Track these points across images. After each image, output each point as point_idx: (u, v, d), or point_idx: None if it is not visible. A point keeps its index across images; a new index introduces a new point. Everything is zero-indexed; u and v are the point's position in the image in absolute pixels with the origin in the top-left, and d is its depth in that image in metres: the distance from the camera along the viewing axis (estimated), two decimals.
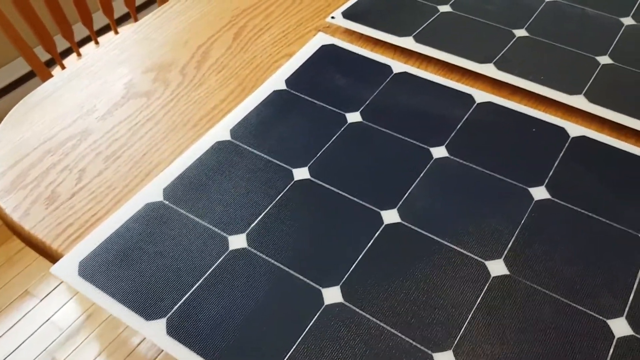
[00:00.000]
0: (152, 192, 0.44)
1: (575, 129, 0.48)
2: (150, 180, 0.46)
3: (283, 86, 0.53)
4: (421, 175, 0.45)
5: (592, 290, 0.38)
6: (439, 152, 0.47)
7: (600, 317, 0.37)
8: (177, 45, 0.59)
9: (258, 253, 0.40)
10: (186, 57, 0.58)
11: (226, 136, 0.48)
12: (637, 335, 0.36)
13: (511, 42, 0.57)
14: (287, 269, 0.39)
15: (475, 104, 0.51)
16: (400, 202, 0.44)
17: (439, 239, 0.41)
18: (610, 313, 0.37)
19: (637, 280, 0.38)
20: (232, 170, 0.46)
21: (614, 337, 0.36)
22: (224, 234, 0.41)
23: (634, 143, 0.48)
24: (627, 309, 0.37)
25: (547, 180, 0.45)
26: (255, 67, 0.56)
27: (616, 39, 0.57)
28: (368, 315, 0.37)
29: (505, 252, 0.40)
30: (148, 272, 0.39)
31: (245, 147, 0.48)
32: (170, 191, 0.44)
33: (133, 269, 0.39)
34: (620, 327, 0.36)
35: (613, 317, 0.37)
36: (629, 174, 0.45)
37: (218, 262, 0.40)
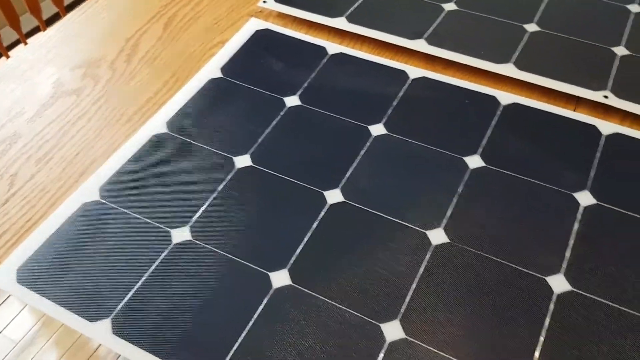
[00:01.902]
0: (88, 191, 0.43)
1: (506, 97, 0.50)
2: (85, 180, 0.45)
3: (219, 74, 0.52)
4: (362, 153, 0.46)
5: (530, 251, 0.39)
6: (378, 129, 0.48)
7: (540, 276, 0.38)
8: (105, 39, 0.57)
9: (203, 244, 0.40)
10: (115, 51, 0.56)
11: (163, 129, 0.47)
12: (575, 290, 0.37)
13: (441, 17, 0.58)
14: (233, 257, 0.39)
15: (410, 80, 0.52)
16: (343, 182, 0.44)
17: (382, 214, 0.42)
18: (549, 271, 0.38)
19: (572, 237, 0.40)
20: (171, 163, 0.45)
21: (553, 293, 0.37)
22: (166, 228, 0.41)
23: (563, 105, 0.50)
24: (564, 265, 0.38)
25: (481, 149, 0.46)
26: (188, 57, 0.55)
27: (542, 6, 0.59)
28: (317, 295, 0.37)
29: (445, 220, 0.41)
30: (89, 273, 0.38)
31: (184, 138, 0.47)
32: (107, 189, 0.43)
33: (73, 271, 0.38)
34: (558, 283, 0.38)
35: (551, 274, 0.38)
36: (559, 135, 0.47)
37: (161, 257, 0.39)
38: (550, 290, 0.37)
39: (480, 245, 0.40)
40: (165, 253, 0.39)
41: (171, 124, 0.48)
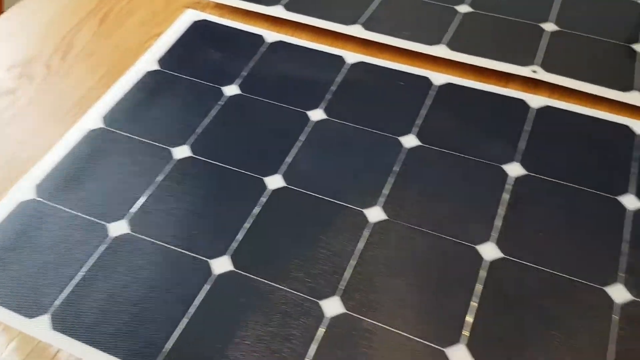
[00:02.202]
0: (24, 190, 0.42)
1: (439, 78, 0.51)
2: (21, 179, 0.44)
3: (156, 67, 0.52)
4: (302, 139, 0.47)
5: (462, 222, 0.41)
6: (317, 115, 0.49)
7: (471, 245, 0.39)
8: (41, 37, 0.56)
9: (142, 236, 0.40)
10: (50, 49, 0.55)
11: (99, 124, 0.47)
12: (506, 256, 0.39)
13: (377, 2, 0.59)
14: (173, 247, 0.39)
15: (348, 65, 0.53)
16: (284, 167, 0.44)
17: (322, 196, 0.43)
18: (480, 240, 0.40)
19: (502, 207, 0.42)
20: (108, 158, 0.45)
21: (483, 260, 0.39)
22: (103, 223, 0.41)
23: (495, 83, 0.51)
24: (494, 234, 0.40)
25: (416, 129, 0.47)
26: (125, 51, 0.55)
27: None
28: (259, 278, 0.38)
29: (383, 199, 0.42)
30: (26, 271, 0.38)
31: (120, 132, 0.47)
32: (44, 187, 0.43)
33: (10, 270, 0.38)
34: (489, 251, 0.39)
35: (482, 243, 0.40)
36: (491, 111, 0.48)
37: (99, 251, 0.39)
38: (481, 258, 0.39)
39: (415, 220, 0.41)
40: (103, 247, 0.39)
41: (107, 118, 0.48)
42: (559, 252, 0.39)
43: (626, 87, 0.49)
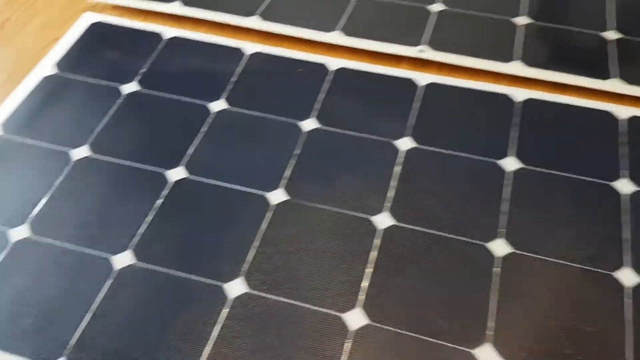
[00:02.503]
0: None
1: (335, 63, 0.53)
2: None
3: (54, 71, 0.52)
4: (204, 130, 0.48)
5: (358, 196, 0.43)
6: (218, 105, 0.50)
7: (365, 216, 0.42)
8: None
9: (42, 238, 0.40)
10: None
11: None
12: (398, 224, 0.41)
13: None
14: (74, 247, 0.40)
15: (247, 56, 0.54)
16: (186, 159, 0.46)
17: (225, 184, 0.44)
18: (374, 211, 0.42)
19: (393, 179, 0.44)
20: (6, 166, 0.45)
21: (376, 229, 0.41)
22: (3, 228, 0.40)
23: (387, 64, 0.54)
24: (389, 204, 0.42)
25: (315, 112, 0.49)
26: (23, 57, 0.54)
27: None
28: (161, 268, 0.39)
29: (285, 181, 0.44)
30: None
31: (19, 138, 0.46)
32: None
33: None
34: (383, 220, 0.42)
35: (376, 214, 0.42)
36: (383, 92, 0.51)
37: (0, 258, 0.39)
38: (375, 227, 0.41)
39: (316, 198, 0.43)
40: (4, 253, 0.39)
41: (5, 125, 0.47)
42: (447, 215, 0.42)
43: (507, 58, 0.53)
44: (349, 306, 0.37)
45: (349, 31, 0.56)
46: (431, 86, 0.51)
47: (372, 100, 0.50)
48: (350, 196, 0.43)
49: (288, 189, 0.44)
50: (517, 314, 0.37)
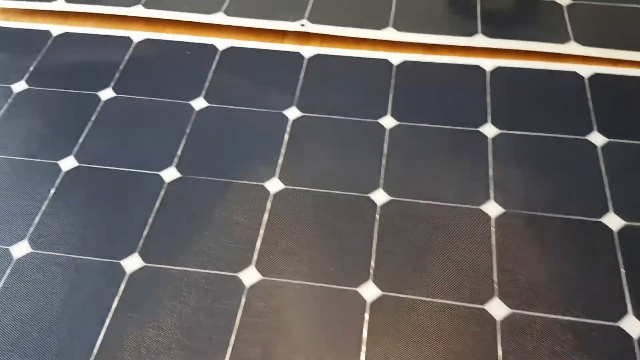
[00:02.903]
0: None
1: (223, 43, 0.55)
2: None
3: None
4: (93, 119, 0.49)
5: (251, 166, 0.45)
6: (107, 94, 0.51)
7: (258, 183, 0.44)
8: None
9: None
10: None
11: None
12: (287, 186, 0.44)
13: None
14: None
15: (134, 44, 0.55)
16: (76, 149, 0.46)
17: (118, 168, 0.45)
18: (266, 177, 0.45)
19: (283, 147, 0.47)
20: None
21: (269, 193, 0.43)
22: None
23: (272, 40, 0.56)
24: (278, 170, 0.45)
25: (204, 92, 0.51)
26: None
27: None
28: (59, 254, 0.40)
29: (177, 159, 0.46)
30: None
31: None
32: None
33: None
34: (273, 185, 0.44)
35: (268, 180, 0.44)
36: (270, 67, 0.53)
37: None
38: (267, 192, 0.44)
39: (207, 172, 0.45)
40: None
41: None
42: (333, 174, 0.45)
43: (383, 26, 0.56)
44: (243, 265, 0.40)
45: (232, 11, 0.58)
46: (315, 57, 0.54)
47: (260, 75, 0.52)
48: (242, 167, 0.45)
49: (180, 167, 0.45)
50: (395, 251, 0.40)
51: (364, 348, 0.35)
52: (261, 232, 0.41)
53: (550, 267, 0.38)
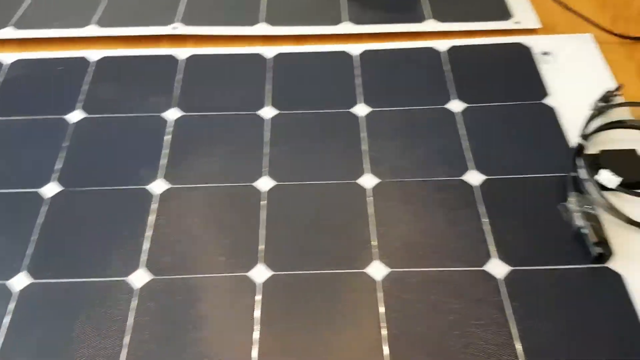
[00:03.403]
0: None
1: (95, 54, 0.55)
2: None
3: None
4: None
5: (134, 169, 0.46)
6: None
7: (141, 187, 0.45)
8: None
9: None
10: None
11: None
12: (173, 185, 0.45)
13: (26, 2, 0.60)
14: None
15: (6, 66, 0.54)
16: None
17: None
18: (149, 180, 0.45)
19: (165, 147, 0.47)
20: None
21: (152, 195, 0.44)
22: None
23: (147, 46, 0.56)
24: (163, 171, 0.46)
25: (80, 104, 0.51)
26: None
27: None
28: None
29: (57, 174, 0.45)
30: None
31: None
32: None
33: None
34: (158, 187, 0.45)
35: (151, 182, 0.45)
36: (148, 71, 0.53)
37: None
38: (151, 195, 0.44)
39: (90, 183, 0.45)
40: None
41: None
42: (218, 168, 0.46)
43: (255, 22, 0.58)
44: (133, 268, 0.40)
45: (105, 22, 0.57)
46: (191, 58, 0.55)
47: (138, 81, 0.53)
48: (125, 172, 0.46)
49: (61, 181, 0.45)
50: (283, 233, 0.42)
51: (257, 327, 0.37)
52: (148, 234, 0.42)
53: (421, 226, 0.42)
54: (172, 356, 0.36)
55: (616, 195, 0.42)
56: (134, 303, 0.38)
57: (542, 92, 0.50)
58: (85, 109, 0.50)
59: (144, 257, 0.41)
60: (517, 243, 0.40)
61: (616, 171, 0.42)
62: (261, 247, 0.41)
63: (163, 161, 0.46)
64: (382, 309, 0.37)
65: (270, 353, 0.36)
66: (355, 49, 0.55)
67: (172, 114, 0.50)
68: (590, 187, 0.42)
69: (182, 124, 0.49)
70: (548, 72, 0.52)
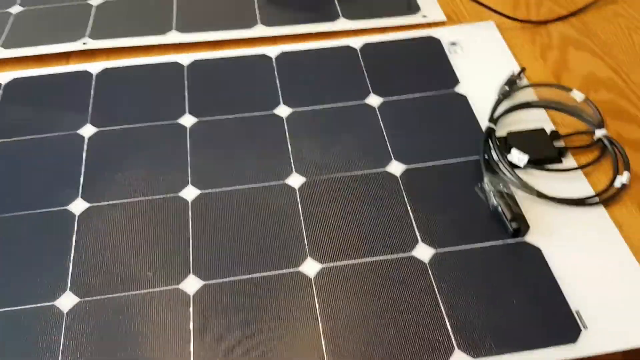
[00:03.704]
0: None
1: (4, 77, 0.53)
2: None
3: None
4: None
5: (52, 190, 0.44)
6: None
7: (62, 208, 0.43)
8: None
9: None
10: None
11: None
12: (94, 205, 0.44)
13: None
14: None
15: None
16: None
17: None
18: (69, 200, 0.44)
19: (83, 166, 0.46)
20: None
21: (75, 216, 0.43)
22: None
23: (58, 64, 0.54)
24: (81, 189, 0.44)
25: None
26: None
27: None
28: None
29: None
30: None
31: None
32: None
33: None
34: (77, 207, 0.43)
35: (71, 202, 0.44)
36: (59, 90, 0.52)
37: None
38: (73, 215, 0.43)
39: (5, 209, 0.43)
40: None
41: None
42: (141, 181, 0.45)
43: (167, 30, 0.57)
44: (60, 291, 0.39)
45: (11, 44, 0.55)
46: (103, 73, 0.53)
47: (50, 100, 0.51)
48: (45, 194, 0.44)
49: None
50: (212, 241, 0.42)
51: (193, 339, 0.37)
52: (72, 256, 0.41)
53: (350, 219, 0.42)
54: None
55: (527, 173, 0.45)
56: (64, 327, 0.37)
57: (454, 80, 0.52)
58: None
59: (70, 279, 0.39)
60: (440, 226, 0.42)
61: (525, 150, 0.45)
62: (191, 257, 0.41)
63: (81, 179, 0.45)
64: (317, 305, 0.38)
65: None
66: (271, 51, 0.55)
67: (87, 131, 0.48)
68: (502, 167, 0.44)
69: (98, 140, 0.48)
70: (457, 61, 0.54)
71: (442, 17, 0.58)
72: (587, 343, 0.36)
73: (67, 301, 0.38)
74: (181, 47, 0.56)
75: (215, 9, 0.59)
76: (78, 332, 0.37)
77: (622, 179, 0.43)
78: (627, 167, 0.44)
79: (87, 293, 0.39)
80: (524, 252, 0.40)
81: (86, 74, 0.53)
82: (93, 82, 0.52)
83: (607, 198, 0.43)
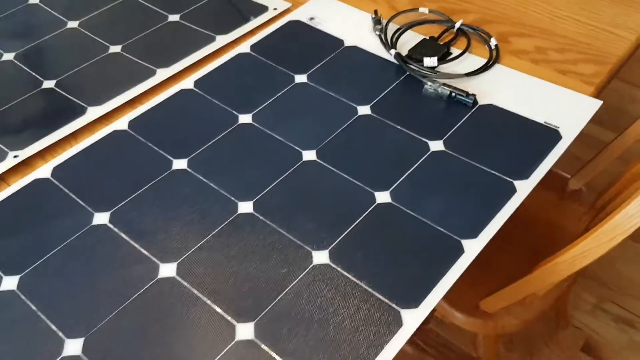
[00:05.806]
0: None
1: None
2: None
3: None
4: None
5: None
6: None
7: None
8: None
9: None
10: None
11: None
12: None
13: None
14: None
15: None
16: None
17: None
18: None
19: None
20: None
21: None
22: None
23: None
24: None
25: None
26: None
27: None
28: None
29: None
30: None
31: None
32: None
33: None
34: None
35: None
36: None
37: None
38: None
39: None
40: None
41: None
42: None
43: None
44: None
45: None
46: None
47: None
48: None
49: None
50: None
51: None
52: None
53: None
54: None
55: (440, 68, 0.58)
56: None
57: (337, 41, 0.62)
58: None
59: None
60: None
61: (429, 55, 0.58)
62: None
63: None
64: None
65: None
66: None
67: None
68: (426, 72, 0.57)
69: None
70: (328, 28, 0.64)
71: (288, 5, 0.68)
72: None
73: None
74: None
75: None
76: None
77: (493, 41, 0.60)
78: (488, 34, 0.61)
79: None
80: (484, 109, 0.54)
81: None
82: None
83: (495, 58, 0.59)
